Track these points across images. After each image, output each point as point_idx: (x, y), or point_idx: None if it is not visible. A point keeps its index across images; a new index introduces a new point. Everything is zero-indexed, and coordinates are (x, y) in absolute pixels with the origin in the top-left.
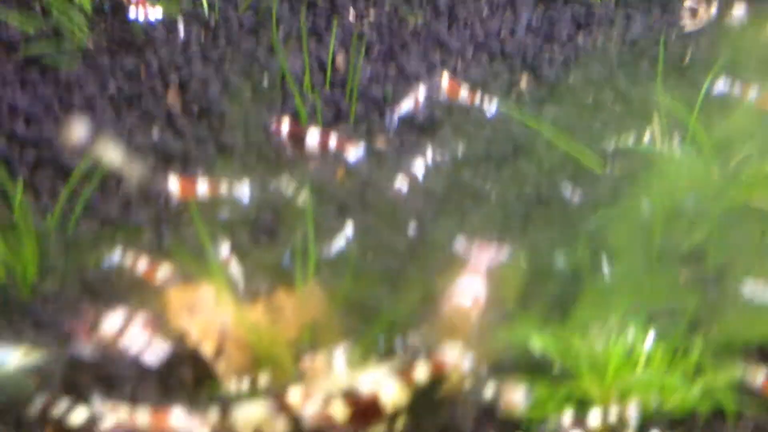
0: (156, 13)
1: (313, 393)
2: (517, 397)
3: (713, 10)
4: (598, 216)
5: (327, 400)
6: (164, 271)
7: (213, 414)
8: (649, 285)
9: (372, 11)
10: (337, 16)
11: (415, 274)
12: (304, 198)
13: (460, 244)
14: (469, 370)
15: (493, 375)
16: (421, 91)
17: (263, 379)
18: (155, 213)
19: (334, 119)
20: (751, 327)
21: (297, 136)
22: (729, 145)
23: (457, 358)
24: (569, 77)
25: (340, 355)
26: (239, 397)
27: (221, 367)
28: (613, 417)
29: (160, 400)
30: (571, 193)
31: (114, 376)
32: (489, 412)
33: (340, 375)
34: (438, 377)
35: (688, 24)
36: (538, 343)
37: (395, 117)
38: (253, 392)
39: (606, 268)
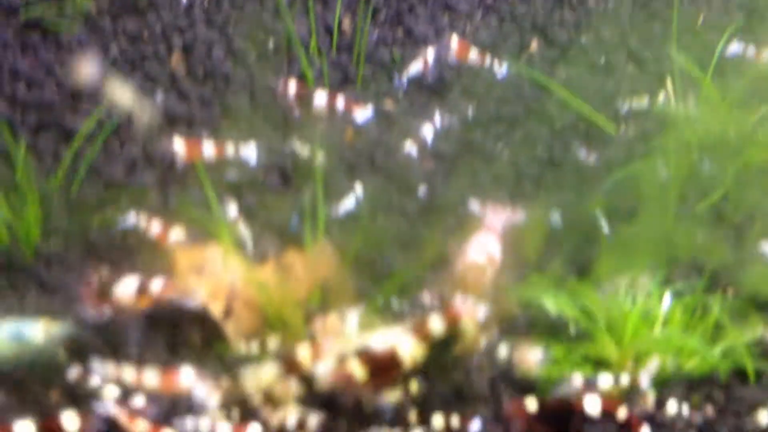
0: None
1: (325, 353)
2: (532, 357)
3: None
4: (614, 176)
5: (340, 360)
6: (177, 233)
7: (222, 375)
8: (666, 244)
9: None
10: None
11: (427, 235)
12: (312, 159)
13: (473, 204)
14: (484, 323)
15: (508, 335)
16: (429, 53)
17: (273, 339)
18: (160, 175)
19: (341, 83)
20: None
21: (304, 97)
22: (744, 106)
23: (471, 308)
24: (581, 39)
25: (351, 315)
26: (249, 358)
27: (230, 328)
28: (625, 380)
29: (169, 362)
30: (584, 154)
31: (121, 338)
32: (504, 372)
33: (352, 335)
34: (453, 332)
35: None
36: (553, 304)
37: (404, 79)
38: (263, 353)
39: (622, 228)
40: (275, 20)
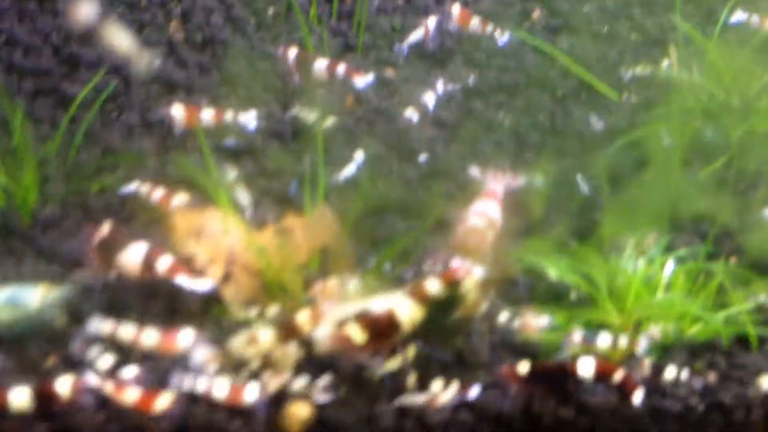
0: None
1: (324, 317)
2: (535, 322)
3: None
4: (617, 143)
5: (339, 324)
6: (180, 197)
7: (221, 340)
8: (669, 210)
9: None
10: None
11: (427, 200)
12: (312, 125)
13: (474, 170)
14: (484, 287)
15: (510, 300)
16: (431, 21)
17: (272, 304)
18: (159, 141)
19: (341, 50)
20: None
21: (304, 65)
22: (748, 73)
23: (468, 269)
24: (583, 7)
25: (351, 280)
26: (247, 323)
27: (229, 293)
28: (623, 341)
29: (166, 326)
30: (587, 120)
31: (120, 302)
32: (506, 337)
33: (351, 300)
34: (454, 296)
35: None
36: (554, 269)
37: (405, 46)
38: (262, 317)
39: (625, 194)
40: None
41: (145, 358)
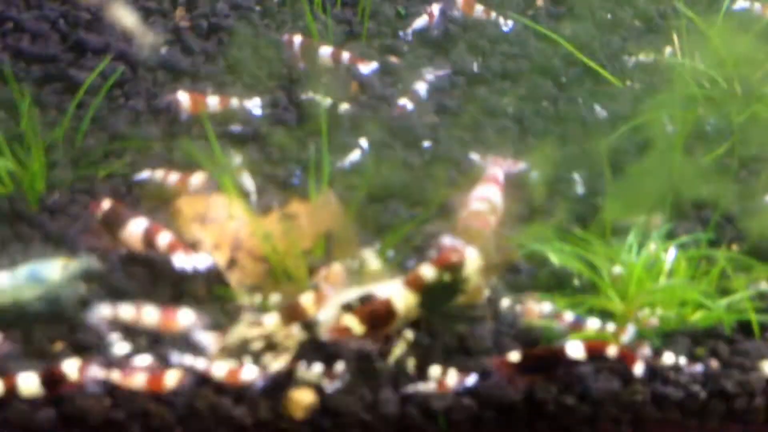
0: None
1: (328, 302)
2: (538, 308)
3: None
4: (620, 129)
5: (343, 307)
6: (198, 178)
7: (226, 323)
8: (671, 196)
9: None
10: None
11: (430, 186)
12: (317, 111)
13: (476, 156)
14: (486, 272)
15: (512, 286)
16: (435, 7)
17: (277, 289)
18: (165, 127)
19: (346, 38)
20: None
21: (309, 52)
22: (751, 60)
23: (461, 253)
24: None
25: (354, 265)
26: (252, 307)
27: (234, 278)
28: (611, 328)
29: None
30: (590, 107)
31: (122, 285)
32: (508, 323)
33: (355, 285)
34: (452, 277)
35: None
36: (556, 256)
37: (409, 33)
38: (267, 302)
39: (627, 180)
40: None
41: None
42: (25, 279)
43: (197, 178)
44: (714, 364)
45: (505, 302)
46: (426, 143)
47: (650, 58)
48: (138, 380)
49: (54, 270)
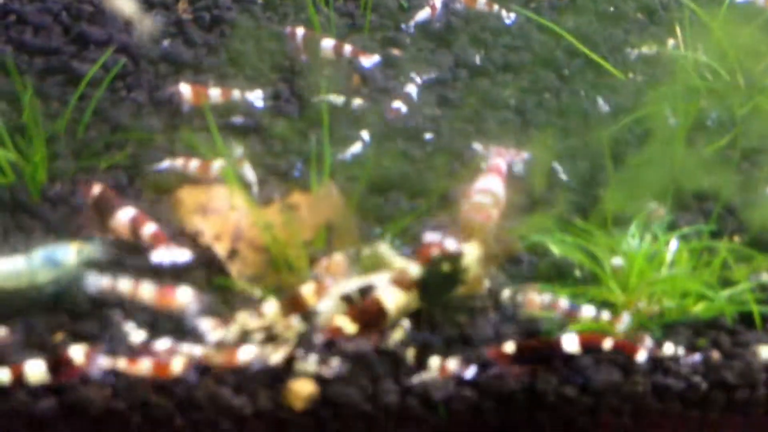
0: None
1: (328, 292)
2: (539, 299)
3: None
4: (622, 121)
5: (342, 298)
6: (218, 163)
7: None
8: (673, 188)
9: None
10: None
11: (431, 178)
12: (319, 104)
13: (478, 147)
14: (486, 263)
15: (514, 277)
16: (437, 0)
17: (277, 279)
18: (167, 119)
19: (348, 30)
20: None
21: (311, 44)
22: (754, 52)
23: (442, 242)
24: None
25: (354, 257)
26: (253, 298)
27: (234, 269)
28: (606, 316)
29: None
30: (592, 99)
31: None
32: (509, 315)
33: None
34: (456, 273)
35: None
36: (558, 247)
37: (411, 25)
38: (267, 292)
39: (629, 172)
40: None
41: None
42: (41, 263)
43: (217, 165)
44: (715, 355)
45: (506, 293)
46: (428, 135)
47: (653, 51)
48: (144, 367)
49: (69, 253)
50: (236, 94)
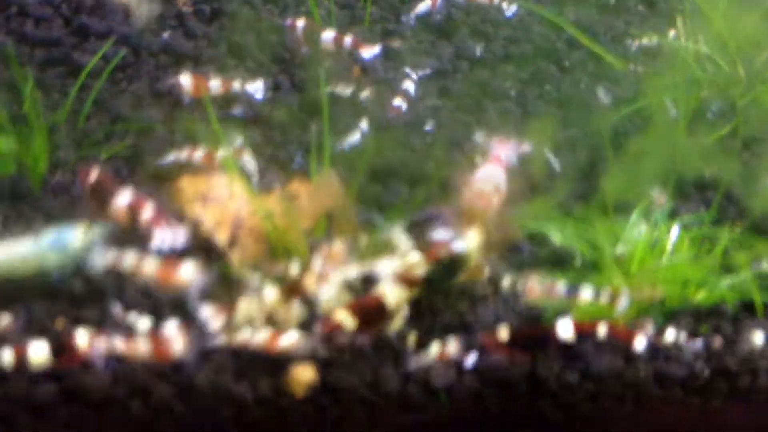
0: None
1: (328, 279)
2: (540, 286)
3: None
4: (623, 112)
5: (343, 285)
6: (223, 151)
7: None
8: (674, 177)
9: None
10: None
11: (431, 167)
12: (319, 95)
13: (479, 137)
14: (487, 251)
15: (514, 265)
16: None
17: (277, 267)
18: (167, 109)
19: (348, 22)
20: None
21: (311, 36)
22: (754, 44)
23: (450, 242)
24: None
25: (355, 243)
26: (253, 285)
27: (235, 257)
28: (605, 297)
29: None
30: (593, 90)
31: None
32: (510, 302)
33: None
34: (457, 261)
35: None
36: (559, 235)
37: (411, 17)
38: (267, 280)
39: (630, 161)
40: None
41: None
42: (49, 246)
43: (222, 152)
44: (717, 342)
45: (507, 281)
46: (428, 126)
47: (653, 42)
48: (143, 349)
49: (76, 236)
50: (236, 85)
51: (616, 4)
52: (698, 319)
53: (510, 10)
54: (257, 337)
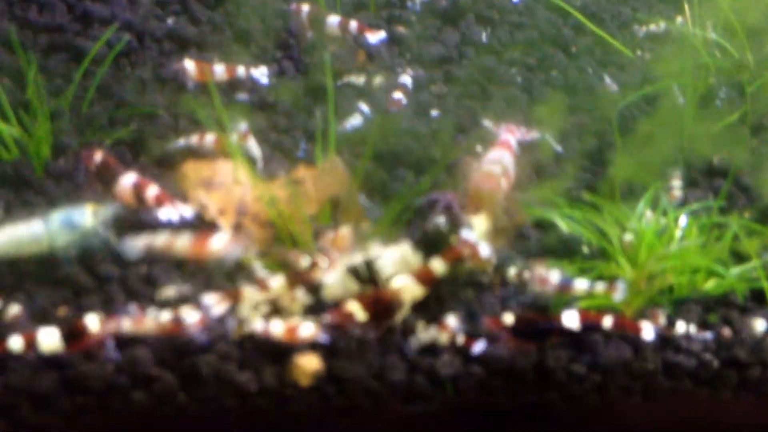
0: None
1: (334, 264)
2: (546, 275)
3: None
4: (630, 98)
5: (348, 271)
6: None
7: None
8: (682, 163)
9: None
10: None
11: (437, 153)
12: (324, 80)
13: (486, 123)
14: (493, 234)
15: (522, 252)
16: None
17: (282, 253)
18: (171, 95)
19: (354, 7)
20: None
21: (317, 20)
22: (762, 29)
23: (473, 247)
24: None
25: (361, 230)
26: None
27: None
28: (600, 287)
29: (178, 273)
30: (600, 77)
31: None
32: (517, 290)
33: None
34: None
35: None
36: (566, 223)
37: (417, 2)
38: (272, 266)
39: (638, 148)
40: None
41: None
42: (59, 226)
43: (234, 137)
44: (726, 332)
45: (513, 269)
46: (434, 112)
47: (661, 28)
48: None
49: (86, 216)
50: (241, 70)
51: None
52: (707, 308)
53: None
54: (272, 327)
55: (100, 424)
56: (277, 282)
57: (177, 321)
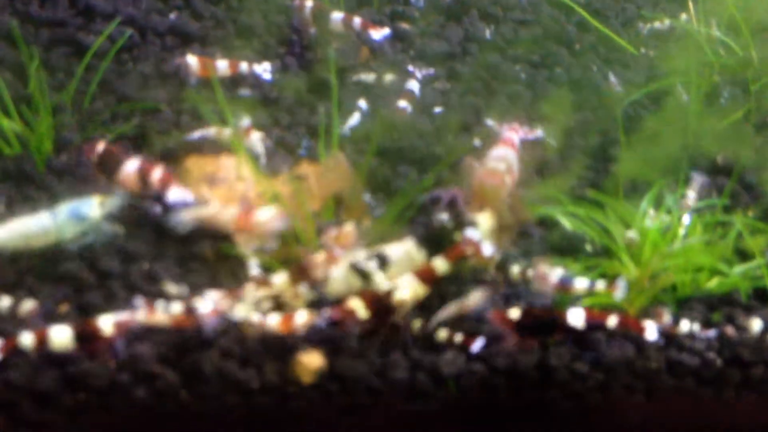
0: None
1: (337, 260)
2: (549, 272)
3: None
4: (634, 96)
5: (351, 269)
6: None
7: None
8: (686, 161)
9: None
10: None
11: (440, 150)
12: (327, 77)
13: (489, 121)
14: (496, 231)
15: (525, 250)
16: None
17: (285, 249)
18: (173, 90)
19: (357, 3)
20: None
21: (320, 16)
22: (766, 27)
23: (476, 246)
24: None
25: (364, 226)
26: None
27: (242, 238)
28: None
29: (180, 270)
30: (604, 74)
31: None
32: (520, 288)
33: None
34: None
35: None
36: (569, 221)
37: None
38: (274, 262)
39: (642, 146)
40: None
41: None
42: (67, 217)
43: (256, 135)
44: (730, 331)
45: (517, 266)
46: (437, 108)
47: (665, 25)
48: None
49: (93, 207)
50: (244, 66)
51: None
52: (711, 306)
53: None
54: (269, 319)
55: (101, 422)
56: (279, 278)
57: (190, 311)
